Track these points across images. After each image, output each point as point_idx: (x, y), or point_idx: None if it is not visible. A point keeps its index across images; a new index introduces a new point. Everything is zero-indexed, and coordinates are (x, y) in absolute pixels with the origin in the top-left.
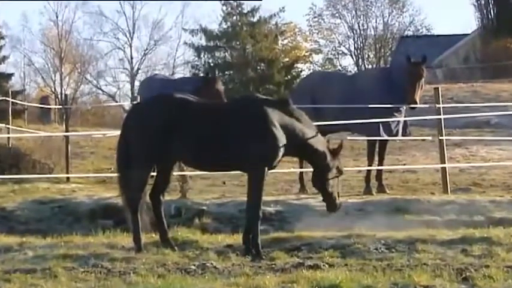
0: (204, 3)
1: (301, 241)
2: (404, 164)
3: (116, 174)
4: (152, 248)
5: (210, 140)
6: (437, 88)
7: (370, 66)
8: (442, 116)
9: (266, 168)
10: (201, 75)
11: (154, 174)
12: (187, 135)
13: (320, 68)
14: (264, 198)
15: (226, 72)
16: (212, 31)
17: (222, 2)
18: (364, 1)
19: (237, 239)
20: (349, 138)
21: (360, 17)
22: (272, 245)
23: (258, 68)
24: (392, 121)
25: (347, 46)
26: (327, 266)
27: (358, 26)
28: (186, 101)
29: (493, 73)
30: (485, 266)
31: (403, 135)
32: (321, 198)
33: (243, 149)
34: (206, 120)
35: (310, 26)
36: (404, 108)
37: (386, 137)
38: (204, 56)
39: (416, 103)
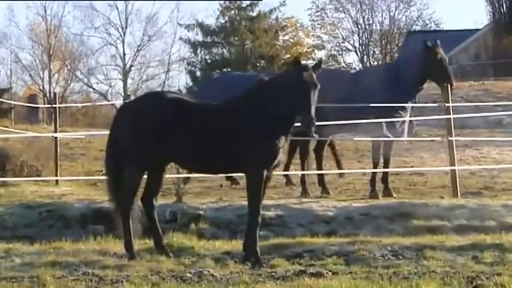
0: None
1: (303, 247)
2: (411, 166)
3: (105, 177)
4: (146, 255)
5: (205, 140)
6: (447, 86)
7: (375, 63)
8: (451, 116)
9: (264, 170)
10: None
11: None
12: (181, 136)
13: (323, 65)
14: (264, 202)
15: (224, 70)
16: (209, 26)
17: None
18: None
19: (235, 245)
20: (355, 138)
21: (365, 11)
22: (272, 251)
23: (258, 65)
24: (397, 120)
25: (351, 42)
26: (330, 273)
27: (363, 20)
28: (180, 100)
29: (505, 70)
30: (497, 274)
31: (408, 136)
32: (323, 202)
33: (239, 150)
34: (200, 120)
35: (313, 20)
36: (410, 106)
37: (391, 137)
38: (200, 53)
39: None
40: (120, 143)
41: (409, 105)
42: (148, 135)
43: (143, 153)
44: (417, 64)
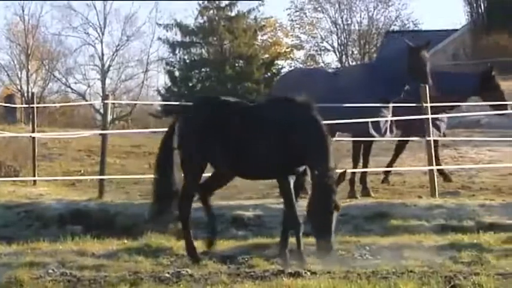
0: None
1: None
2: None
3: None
4: (124, 255)
5: (243, 144)
6: (424, 86)
7: (354, 63)
8: (429, 116)
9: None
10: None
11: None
12: (224, 140)
13: (302, 65)
14: (243, 202)
15: (202, 70)
16: (188, 26)
17: None
18: None
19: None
20: (334, 139)
21: (343, 11)
22: (251, 251)
23: (236, 64)
24: (381, 119)
25: (330, 42)
26: (308, 273)
27: (342, 20)
28: (228, 105)
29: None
30: (475, 273)
31: (390, 135)
32: (302, 202)
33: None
34: (243, 125)
35: (292, 20)
36: (391, 105)
37: (377, 136)
38: (179, 52)
39: (430, 83)
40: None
41: (390, 105)
42: (194, 139)
43: (192, 158)
44: (402, 62)
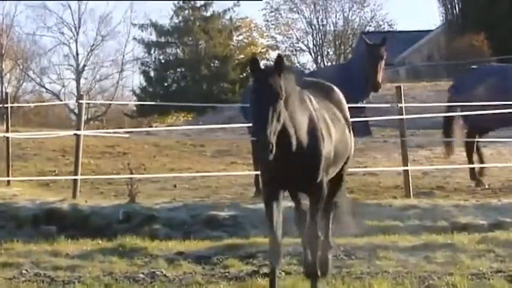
0: None
1: (256, 248)
2: (365, 167)
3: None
4: (98, 256)
5: None
6: (400, 87)
7: (329, 64)
8: (404, 116)
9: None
10: None
11: None
12: None
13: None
14: (218, 202)
15: (178, 70)
16: (163, 26)
17: None
18: None
19: (188, 245)
20: None
21: (319, 12)
22: (226, 251)
23: (212, 65)
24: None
25: (305, 42)
26: (283, 273)
27: (317, 21)
28: None
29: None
30: (449, 273)
31: (366, 135)
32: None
33: None
34: None
35: (267, 21)
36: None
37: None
38: (154, 53)
39: (379, 86)
40: None
41: (364, 105)
42: None
43: None
44: (362, 62)
